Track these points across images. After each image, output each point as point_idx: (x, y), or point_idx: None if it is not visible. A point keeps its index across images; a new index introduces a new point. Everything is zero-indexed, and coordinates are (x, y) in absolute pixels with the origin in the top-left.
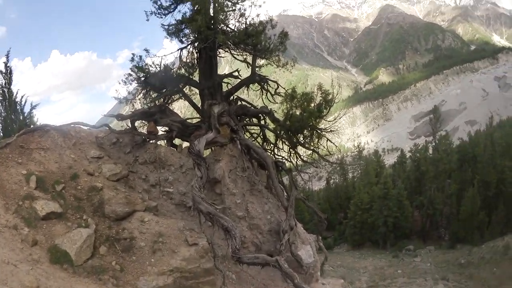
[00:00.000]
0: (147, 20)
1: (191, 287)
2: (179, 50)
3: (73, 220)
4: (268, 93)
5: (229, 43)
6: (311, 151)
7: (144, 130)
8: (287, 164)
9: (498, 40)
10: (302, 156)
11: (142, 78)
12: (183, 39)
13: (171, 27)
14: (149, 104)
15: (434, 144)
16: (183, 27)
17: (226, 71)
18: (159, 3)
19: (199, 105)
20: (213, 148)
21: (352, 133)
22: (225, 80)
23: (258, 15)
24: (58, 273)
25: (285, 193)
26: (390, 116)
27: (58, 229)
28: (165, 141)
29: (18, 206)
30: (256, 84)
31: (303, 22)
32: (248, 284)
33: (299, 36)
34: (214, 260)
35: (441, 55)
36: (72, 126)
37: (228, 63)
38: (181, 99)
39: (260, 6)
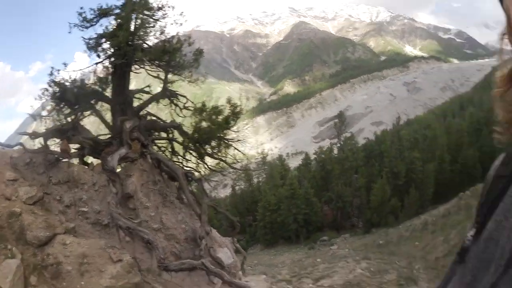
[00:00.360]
0: (69, 32)
1: None
2: (95, 65)
3: None
4: (177, 107)
5: (145, 59)
6: (218, 160)
7: (56, 149)
8: (196, 174)
9: (411, 50)
10: (209, 166)
11: (58, 94)
12: (101, 54)
13: (91, 41)
14: (61, 121)
15: (339, 145)
16: (102, 41)
17: (133, 86)
18: (84, 15)
19: (109, 121)
20: (123, 164)
21: (256, 141)
22: (136, 95)
23: (177, 33)
24: None
25: (196, 202)
26: (294, 123)
27: None
28: (77, 159)
29: None
30: (166, 99)
31: (214, 37)
32: None
33: (208, 51)
34: (141, 274)
35: (349, 66)
36: None
37: (135, 77)
38: (92, 115)
39: (181, 24)
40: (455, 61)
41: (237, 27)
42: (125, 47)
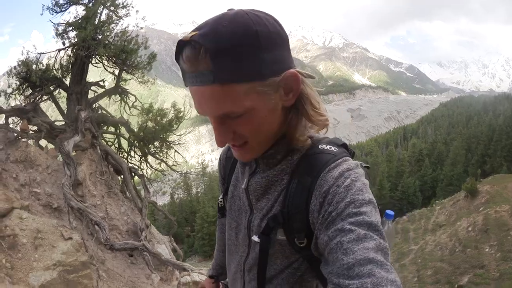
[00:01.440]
0: (41, 14)
1: (73, 281)
2: (57, 51)
3: None
4: (127, 105)
5: (104, 55)
6: (160, 161)
7: (17, 127)
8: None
9: (360, 79)
10: (152, 166)
11: (23, 73)
12: (66, 42)
13: (60, 28)
14: (22, 101)
15: None
16: (69, 30)
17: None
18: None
19: (64, 109)
20: (75, 151)
21: (197, 150)
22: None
23: (137, 35)
24: None
25: (138, 197)
26: None
27: None
28: (33, 140)
29: None
30: (117, 96)
31: (167, 38)
32: (118, 281)
33: (159, 52)
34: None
35: None
36: None
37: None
38: (49, 100)
39: (141, 28)
40: (403, 93)
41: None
42: (90, 41)
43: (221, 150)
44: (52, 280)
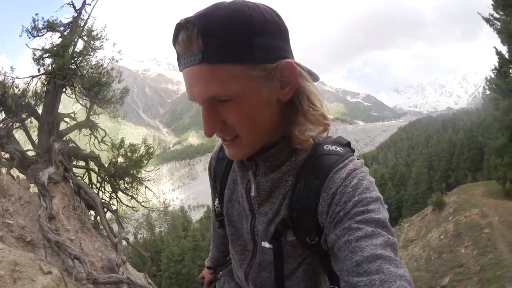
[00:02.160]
0: (20, 36)
1: None
2: (31, 78)
3: None
4: (96, 139)
5: (78, 86)
6: (130, 197)
7: None
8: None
9: None
10: (122, 202)
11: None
12: (41, 69)
13: (37, 53)
14: None
15: None
16: (46, 56)
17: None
18: (36, 23)
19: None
20: (48, 184)
21: (158, 190)
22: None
23: (112, 69)
24: None
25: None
26: (196, 176)
27: None
28: (6, 168)
29: None
30: (87, 130)
31: (128, 75)
32: None
33: (120, 89)
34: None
35: None
36: None
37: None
38: (20, 128)
39: (117, 61)
40: (361, 123)
41: (152, 69)
42: (67, 69)
43: (184, 190)
44: None
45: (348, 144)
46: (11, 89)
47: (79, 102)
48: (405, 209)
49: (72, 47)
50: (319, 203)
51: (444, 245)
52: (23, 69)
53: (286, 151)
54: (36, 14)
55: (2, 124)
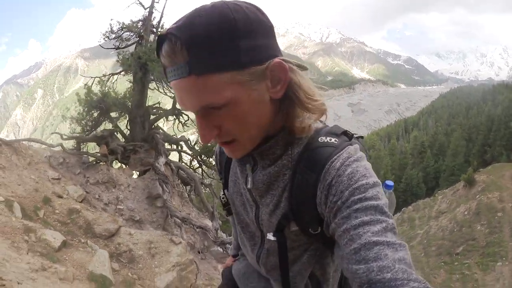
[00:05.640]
0: (99, 42)
1: (184, 276)
2: (114, 75)
3: (77, 245)
4: (180, 123)
5: (160, 79)
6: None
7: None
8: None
9: (358, 73)
10: (209, 175)
11: (94, 101)
12: (128, 69)
13: (124, 57)
14: (85, 126)
15: None
16: (128, 57)
17: None
18: (111, 27)
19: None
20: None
21: None
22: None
23: None
24: None
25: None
26: None
27: (78, 256)
28: (110, 162)
29: (27, 243)
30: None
31: None
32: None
33: None
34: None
35: None
36: (22, 143)
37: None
38: (111, 123)
39: None
40: (402, 86)
41: None
42: (151, 65)
43: None
44: (173, 279)
45: (344, 133)
46: (107, 90)
47: (161, 92)
48: (442, 180)
49: (148, 43)
50: (317, 195)
51: (466, 220)
52: (54, 50)
53: (283, 143)
54: (111, 19)
55: (92, 123)
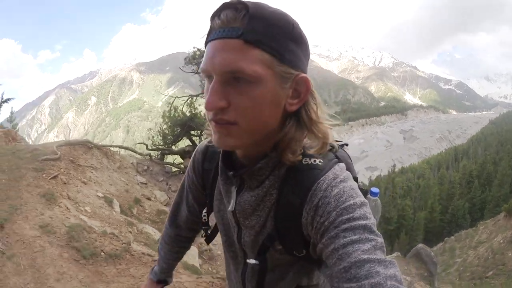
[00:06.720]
0: (182, 67)
1: None
2: (190, 97)
3: None
4: None
5: None
6: None
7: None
8: None
9: (411, 98)
10: None
11: (179, 119)
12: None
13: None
14: (167, 141)
15: None
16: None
17: None
18: (194, 53)
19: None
20: None
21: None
22: None
23: None
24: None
25: None
26: None
27: None
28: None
29: (131, 234)
30: None
31: None
32: None
33: None
34: None
35: (349, 108)
36: (111, 149)
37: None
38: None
39: None
40: (453, 112)
41: None
42: None
43: None
44: None
45: (331, 149)
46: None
47: None
48: (487, 211)
49: None
50: (303, 216)
51: (501, 248)
52: (109, 61)
53: (271, 165)
54: (194, 47)
55: (171, 138)
